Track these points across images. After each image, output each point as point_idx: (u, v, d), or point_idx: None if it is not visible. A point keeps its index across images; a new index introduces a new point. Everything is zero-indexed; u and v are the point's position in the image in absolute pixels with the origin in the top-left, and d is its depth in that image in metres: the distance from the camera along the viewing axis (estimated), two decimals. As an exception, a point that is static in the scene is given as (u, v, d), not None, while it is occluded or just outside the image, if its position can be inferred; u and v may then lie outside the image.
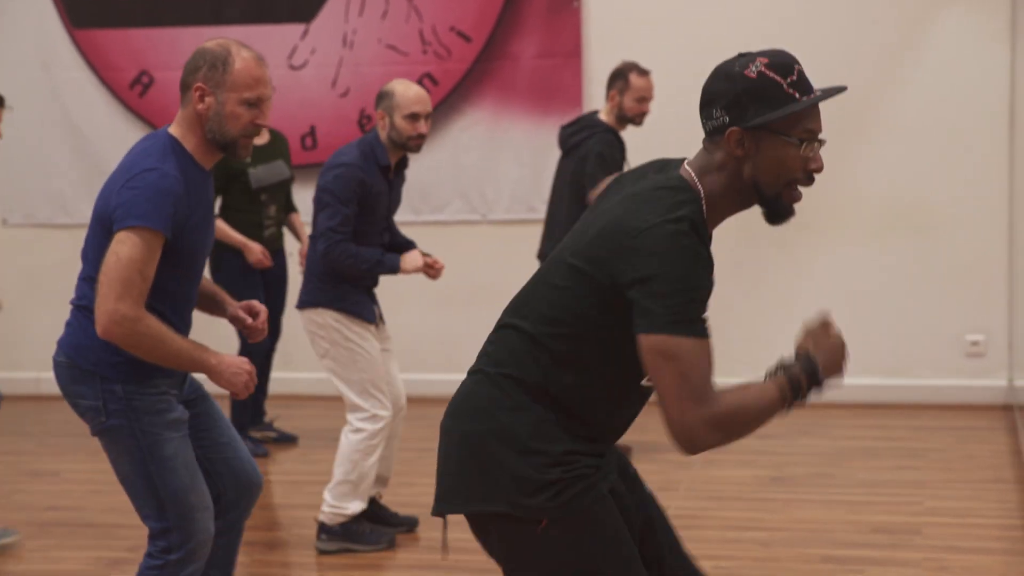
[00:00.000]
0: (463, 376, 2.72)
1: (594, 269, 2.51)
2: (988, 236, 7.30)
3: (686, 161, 2.62)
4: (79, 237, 3.75)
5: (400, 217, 7.72)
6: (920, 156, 7.34)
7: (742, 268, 7.38)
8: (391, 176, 5.18)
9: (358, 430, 5.06)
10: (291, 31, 7.92)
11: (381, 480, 5.29)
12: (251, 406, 6.86)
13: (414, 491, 5.67)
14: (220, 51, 3.44)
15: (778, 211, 2.59)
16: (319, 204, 5.06)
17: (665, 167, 2.64)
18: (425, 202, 7.82)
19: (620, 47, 7.29)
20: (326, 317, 5.08)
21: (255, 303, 3.69)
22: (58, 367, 3.52)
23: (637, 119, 6.33)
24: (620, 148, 6.30)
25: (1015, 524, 5.35)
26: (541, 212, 7.35)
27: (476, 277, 7.56)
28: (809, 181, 2.57)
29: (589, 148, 6.21)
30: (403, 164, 5.26)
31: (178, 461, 3.47)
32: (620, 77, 6.32)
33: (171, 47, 7.97)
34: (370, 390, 5.07)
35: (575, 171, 6.26)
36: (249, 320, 3.66)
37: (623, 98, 6.29)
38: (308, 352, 5.64)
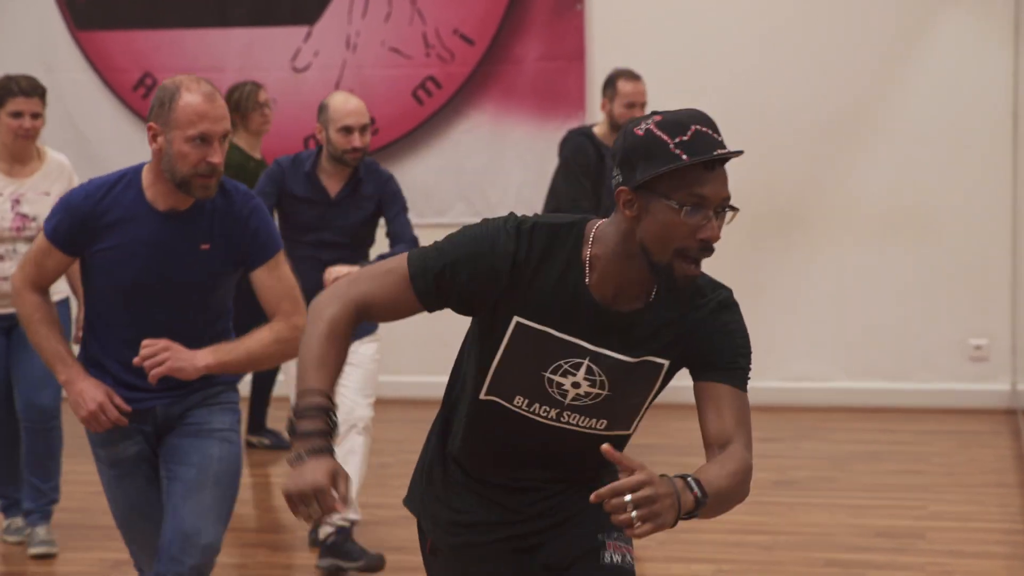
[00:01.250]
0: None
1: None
2: (992, 240, 7.29)
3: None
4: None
5: (403, 220, 7.73)
6: (923, 160, 7.33)
7: (745, 273, 7.36)
8: (333, 193, 5.07)
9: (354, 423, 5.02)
10: (294, 33, 7.91)
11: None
12: (251, 412, 6.86)
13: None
14: (171, 87, 3.39)
15: (665, 279, 2.39)
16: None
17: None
18: (428, 204, 7.81)
19: (623, 50, 7.29)
20: None
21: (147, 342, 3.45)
22: None
23: None
24: (595, 152, 6.18)
25: (1018, 528, 5.34)
26: (544, 215, 7.34)
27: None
28: (704, 252, 2.37)
29: (560, 154, 6.27)
30: (355, 184, 5.10)
31: (109, 495, 3.61)
32: (609, 84, 6.30)
33: (175, 49, 7.96)
34: (368, 393, 5.03)
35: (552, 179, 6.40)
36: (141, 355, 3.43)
37: (613, 105, 6.25)
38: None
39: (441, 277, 2.43)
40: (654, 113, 2.39)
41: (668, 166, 2.31)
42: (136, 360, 3.37)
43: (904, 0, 7.29)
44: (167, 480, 3.47)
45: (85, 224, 3.41)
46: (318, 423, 2.34)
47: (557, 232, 2.43)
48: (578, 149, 6.19)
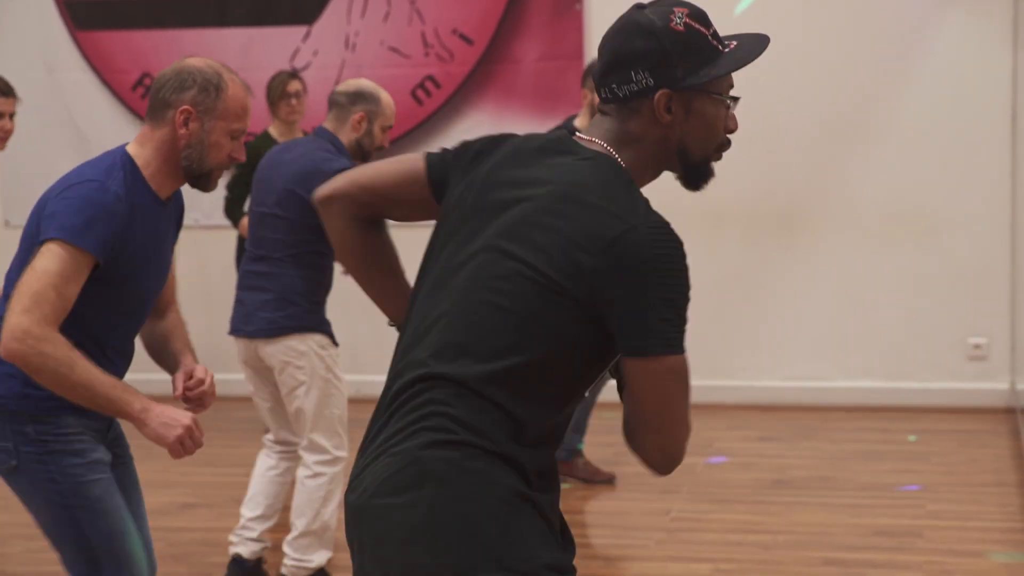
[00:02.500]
0: None
1: (569, 281, 2.12)
2: (991, 239, 7.30)
3: (586, 134, 2.27)
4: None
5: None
6: (923, 159, 7.33)
7: (744, 273, 7.37)
8: None
9: (317, 475, 4.67)
10: (293, 33, 7.92)
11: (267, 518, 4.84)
12: None
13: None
14: (211, 73, 3.11)
15: (704, 176, 2.27)
16: None
17: (563, 143, 2.27)
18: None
19: (622, 50, 7.29)
20: (310, 343, 4.62)
21: (196, 369, 3.24)
22: None
23: None
24: None
25: (1017, 527, 5.35)
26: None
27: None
28: (729, 144, 2.29)
29: None
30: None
31: (107, 503, 3.09)
32: (591, 75, 6.30)
33: (173, 49, 7.97)
34: (338, 429, 4.69)
35: None
36: (180, 389, 3.20)
37: (595, 95, 6.24)
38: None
39: None
40: (671, 3, 2.23)
41: (731, 65, 2.22)
42: (185, 392, 3.17)
43: (904, 1, 7.30)
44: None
45: (123, 227, 3.03)
46: None
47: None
48: None
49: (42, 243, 2.96)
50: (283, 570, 4.79)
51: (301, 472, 4.73)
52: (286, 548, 4.76)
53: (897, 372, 7.47)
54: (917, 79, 7.30)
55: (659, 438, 2.16)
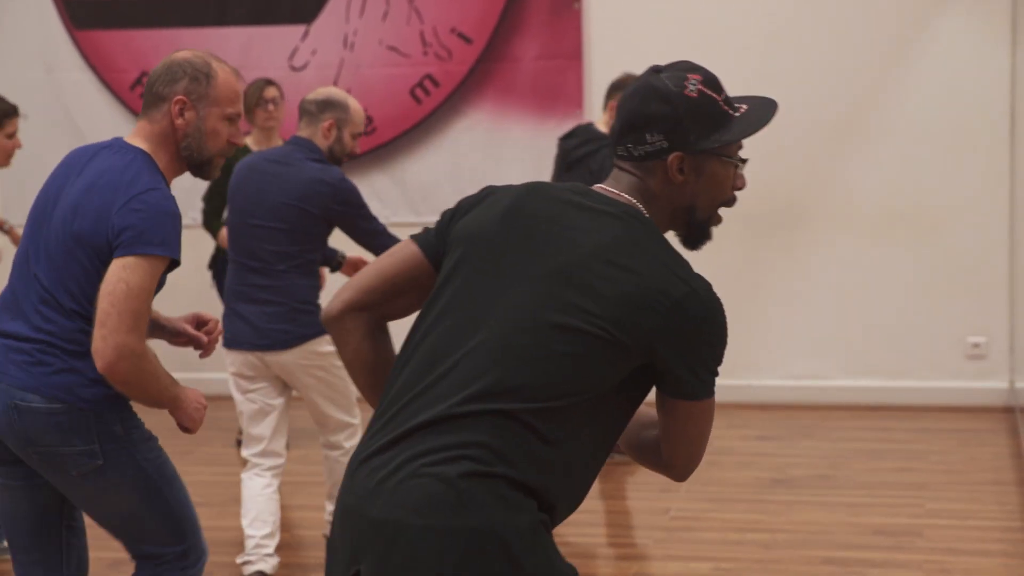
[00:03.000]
0: None
1: (629, 337, 2.24)
2: (989, 238, 7.30)
3: (612, 187, 2.39)
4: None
5: (400, 218, 7.74)
6: (921, 158, 7.34)
7: (743, 272, 7.38)
8: None
9: (348, 451, 4.94)
10: (292, 32, 7.92)
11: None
12: None
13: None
14: (200, 63, 3.19)
15: (704, 235, 2.43)
16: (351, 222, 4.80)
17: (593, 195, 2.38)
18: (425, 203, 7.82)
19: (621, 49, 7.30)
20: (325, 343, 4.78)
21: (203, 314, 3.41)
22: (32, 413, 3.08)
23: None
24: None
25: (1016, 526, 5.35)
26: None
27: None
28: (734, 201, 2.42)
29: (601, 164, 6.15)
30: None
31: (178, 476, 3.29)
32: (620, 89, 6.31)
33: (172, 48, 7.92)
34: (354, 402, 4.97)
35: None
36: (198, 334, 3.36)
37: None
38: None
39: None
40: (685, 70, 2.35)
41: (743, 131, 2.34)
42: (200, 332, 3.35)
43: (902, 1, 7.30)
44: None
45: (179, 226, 3.13)
46: None
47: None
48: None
49: (123, 255, 3.02)
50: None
51: (334, 453, 4.98)
52: (329, 518, 4.97)
53: (896, 371, 7.47)
54: (916, 78, 7.31)
55: (687, 457, 2.40)
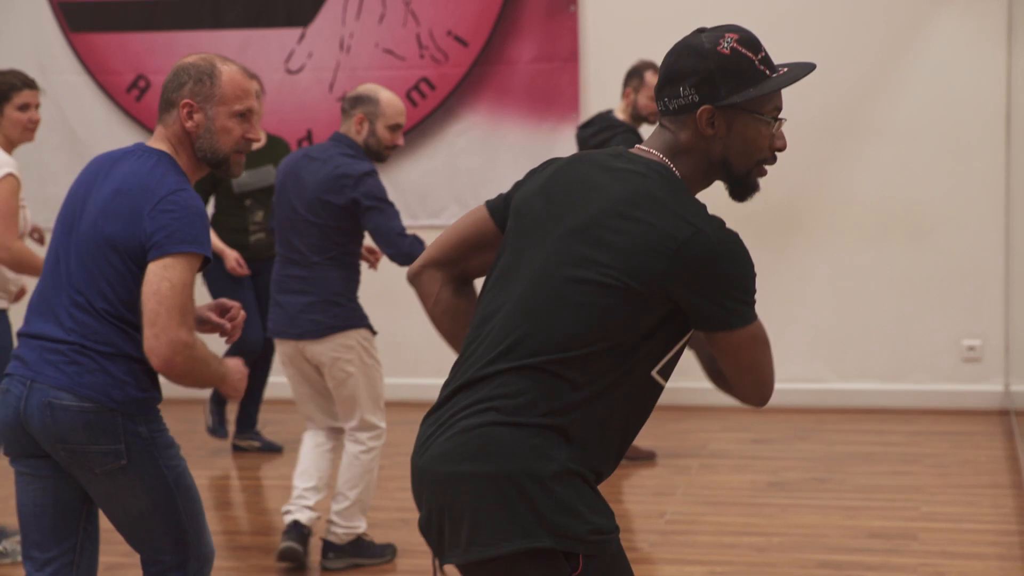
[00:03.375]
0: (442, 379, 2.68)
1: (641, 284, 2.37)
2: (984, 240, 7.31)
3: (645, 146, 2.53)
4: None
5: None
6: (916, 160, 7.34)
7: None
8: None
9: (370, 449, 5.00)
10: (288, 35, 7.92)
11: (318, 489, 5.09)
12: (241, 412, 6.85)
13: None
14: (204, 64, 3.29)
15: (747, 188, 2.54)
16: (367, 214, 4.85)
17: (623, 156, 2.52)
18: (422, 206, 7.82)
19: (617, 51, 7.30)
20: (355, 338, 4.93)
21: (225, 301, 3.51)
22: (65, 411, 3.19)
23: (651, 117, 6.33)
24: None
25: (1011, 529, 5.35)
26: (538, 216, 7.36)
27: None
28: (774, 160, 2.54)
29: (615, 131, 6.25)
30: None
31: (195, 488, 3.38)
32: (636, 75, 6.35)
33: (168, 51, 7.96)
34: (382, 406, 5.04)
35: None
36: (221, 321, 3.45)
37: (638, 96, 6.33)
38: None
39: None
40: (725, 29, 2.48)
41: (772, 86, 2.46)
42: (224, 319, 3.43)
43: (898, 2, 7.30)
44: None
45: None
46: None
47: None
48: (634, 143, 6.26)
49: (160, 256, 3.13)
50: (330, 537, 5.02)
51: (355, 448, 5.01)
52: (335, 517, 5.01)
53: (891, 374, 7.47)
54: (911, 80, 7.31)
55: (753, 385, 2.50)
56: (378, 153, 4.97)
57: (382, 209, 4.85)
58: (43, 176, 8.10)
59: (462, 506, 2.40)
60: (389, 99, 4.95)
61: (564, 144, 7.46)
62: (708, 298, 2.38)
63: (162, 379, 3.28)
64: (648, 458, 6.43)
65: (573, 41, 7.61)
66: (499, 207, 2.62)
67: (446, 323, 2.68)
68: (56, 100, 8.11)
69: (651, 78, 6.31)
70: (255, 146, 4.32)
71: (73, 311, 3.21)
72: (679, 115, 2.48)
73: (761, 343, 2.46)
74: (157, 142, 3.31)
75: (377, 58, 7.82)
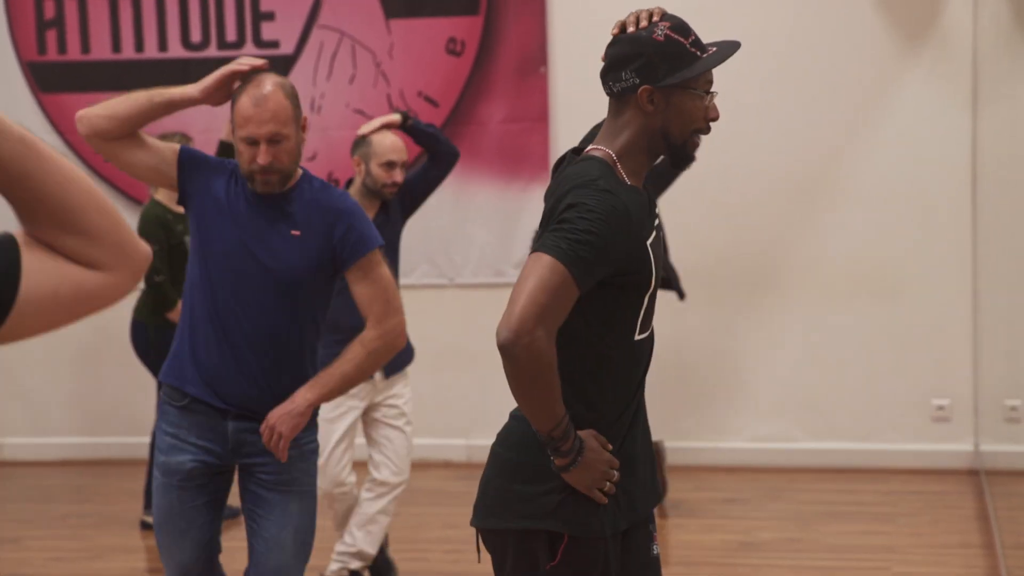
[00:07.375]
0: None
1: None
2: (952, 300, 7.34)
3: (596, 141, 2.89)
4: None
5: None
6: (884, 221, 7.39)
7: (708, 333, 7.38)
8: None
9: (382, 494, 5.16)
10: (259, 96, 7.92)
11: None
12: None
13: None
14: (241, 85, 3.67)
15: (683, 156, 2.91)
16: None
17: (575, 157, 2.92)
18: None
19: (587, 111, 7.29)
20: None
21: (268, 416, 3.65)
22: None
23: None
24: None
25: (983, 589, 5.34)
26: (509, 276, 7.35)
27: (443, 340, 7.54)
28: (707, 130, 2.89)
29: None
30: (385, 211, 5.41)
31: (156, 499, 3.53)
32: None
33: (139, 111, 7.95)
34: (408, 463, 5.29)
35: None
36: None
37: None
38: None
39: (600, 264, 2.72)
40: (659, 18, 2.81)
41: (703, 67, 2.79)
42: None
43: (867, 67, 7.38)
44: (249, 524, 3.57)
45: None
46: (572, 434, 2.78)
47: (610, 172, 2.81)
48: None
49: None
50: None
51: (368, 495, 5.14)
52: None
53: (862, 433, 7.47)
54: (879, 143, 7.37)
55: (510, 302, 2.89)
56: (378, 192, 5.12)
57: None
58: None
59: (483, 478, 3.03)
60: (379, 138, 5.15)
61: (535, 204, 7.47)
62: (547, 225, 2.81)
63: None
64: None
65: (543, 101, 7.65)
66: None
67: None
68: (25, 160, 8.08)
69: None
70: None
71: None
72: (622, 96, 2.83)
73: (534, 270, 2.79)
74: None
75: (348, 118, 7.84)
